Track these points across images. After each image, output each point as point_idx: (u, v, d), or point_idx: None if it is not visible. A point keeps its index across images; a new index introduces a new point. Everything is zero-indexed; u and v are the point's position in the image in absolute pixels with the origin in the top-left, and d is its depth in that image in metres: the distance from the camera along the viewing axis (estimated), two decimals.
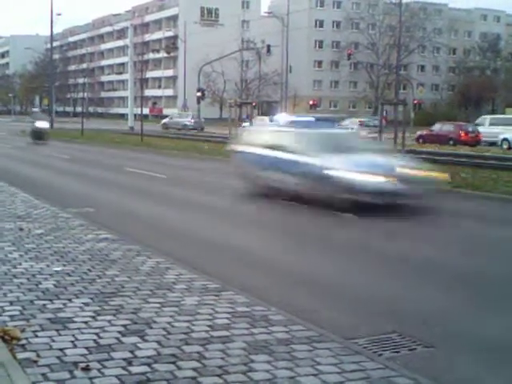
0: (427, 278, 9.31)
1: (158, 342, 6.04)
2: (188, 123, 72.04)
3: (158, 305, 7.19)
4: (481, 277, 9.58)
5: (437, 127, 48.21)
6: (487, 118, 49.30)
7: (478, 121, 48.26)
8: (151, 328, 6.43)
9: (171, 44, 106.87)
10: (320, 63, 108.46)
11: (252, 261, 10.16)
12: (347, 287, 8.85)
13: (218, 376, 5.35)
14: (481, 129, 45.06)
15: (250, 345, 6.07)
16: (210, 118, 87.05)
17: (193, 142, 41.88)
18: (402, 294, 8.55)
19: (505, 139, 41.87)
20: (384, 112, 40.22)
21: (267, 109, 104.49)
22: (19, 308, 6.92)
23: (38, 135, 40.84)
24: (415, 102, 68.42)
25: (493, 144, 43.22)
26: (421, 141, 45.90)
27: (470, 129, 46.25)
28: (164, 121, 78.01)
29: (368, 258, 10.65)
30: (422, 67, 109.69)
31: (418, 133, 48.06)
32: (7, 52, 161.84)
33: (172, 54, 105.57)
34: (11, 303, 7.08)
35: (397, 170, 15.06)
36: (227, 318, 6.82)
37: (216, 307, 7.18)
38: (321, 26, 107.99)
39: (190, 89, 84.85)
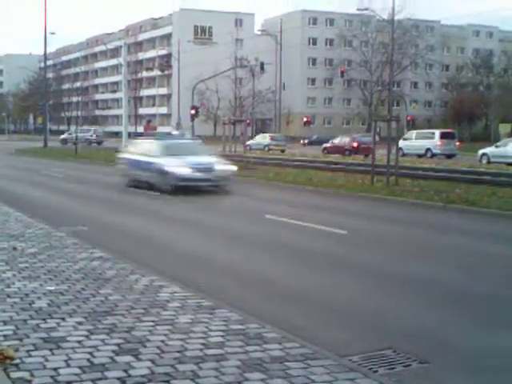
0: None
1: (152, 361, 6.01)
2: (90, 137, 78.07)
3: (151, 323, 7.17)
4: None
5: (337, 140, 56.84)
6: (414, 132, 54.12)
7: (405, 136, 51.69)
8: (145, 347, 6.40)
9: (165, 62, 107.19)
10: (313, 80, 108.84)
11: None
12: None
13: None
14: (409, 142, 49.33)
15: (244, 363, 6.05)
16: (204, 136, 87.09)
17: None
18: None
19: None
20: (378, 128, 40.69)
21: (261, 126, 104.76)
22: (12, 327, 6.89)
23: None
24: (408, 118, 68.71)
25: (420, 156, 48.48)
26: (325, 152, 53.91)
27: (363, 140, 52.52)
28: (63, 136, 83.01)
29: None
30: (415, 84, 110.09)
31: (324, 145, 56.55)
32: (1, 71, 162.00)
33: (166, 72, 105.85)
34: (5, 323, 7.05)
35: (215, 166, 22.68)
36: (221, 336, 6.80)
37: (210, 325, 7.16)
38: (314, 43, 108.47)
39: (184, 107, 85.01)
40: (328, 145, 56.28)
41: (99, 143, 77.24)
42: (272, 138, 64.53)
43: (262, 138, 65.45)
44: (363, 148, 49.24)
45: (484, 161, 42.49)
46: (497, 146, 43.77)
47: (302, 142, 79.71)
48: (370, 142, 47.75)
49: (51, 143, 66.04)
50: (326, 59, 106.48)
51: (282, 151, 56.53)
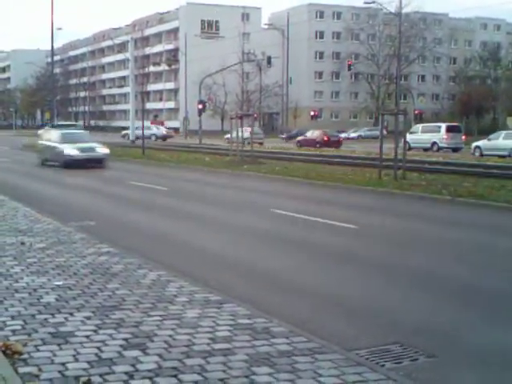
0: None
1: (160, 355, 6.03)
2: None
3: (159, 318, 7.19)
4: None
5: (309, 133, 61.29)
6: (420, 126, 54.05)
7: (412, 129, 51.35)
8: (152, 341, 6.42)
9: (172, 57, 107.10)
10: (320, 74, 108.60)
11: None
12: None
13: None
14: (415, 136, 49.01)
15: (252, 357, 6.05)
16: (212, 130, 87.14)
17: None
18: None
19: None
20: (385, 122, 40.96)
21: (268, 120, 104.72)
22: (21, 322, 6.92)
23: None
24: (416, 112, 68.50)
25: (426, 150, 48.81)
26: (299, 144, 58.00)
27: (333, 134, 60.24)
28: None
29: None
30: (423, 77, 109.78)
31: (297, 138, 60.95)
32: (8, 66, 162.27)
33: (173, 67, 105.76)
34: (13, 318, 7.08)
35: (96, 149, 32.81)
36: (228, 331, 6.81)
37: (217, 319, 7.17)
38: (321, 37, 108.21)
39: (192, 101, 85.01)
40: (301, 138, 60.55)
41: None
42: (251, 132, 65.16)
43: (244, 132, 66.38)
44: (333, 141, 57.04)
45: (477, 153, 43.12)
46: (489, 139, 44.12)
47: (281, 136, 79.81)
48: (338, 136, 60.54)
49: None
50: (333, 53, 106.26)
51: (261, 144, 58.59)
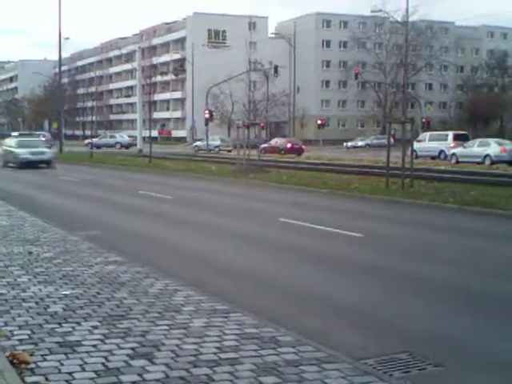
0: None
1: (167, 365, 6.02)
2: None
3: (166, 327, 7.18)
4: None
5: (273, 141, 67.84)
6: (427, 134, 54.13)
7: (419, 137, 51.51)
8: (159, 351, 6.41)
9: (179, 66, 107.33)
10: (328, 83, 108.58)
11: None
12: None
13: None
14: (422, 144, 49.25)
15: (259, 366, 6.04)
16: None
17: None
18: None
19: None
20: (392, 130, 41.17)
21: (275, 129, 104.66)
22: (28, 332, 6.92)
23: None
24: (424, 120, 68.39)
25: (434, 158, 48.99)
26: (263, 151, 56.74)
27: (296, 142, 65.60)
28: None
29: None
30: (430, 85, 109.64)
31: (261, 145, 59.65)
32: (16, 76, 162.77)
33: (180, 77, 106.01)
34: (20, 327, 7.08)
35: (44, 153, 40.55)
36: (235, 340, 6.80)
37: (224, 329, 7.16)
38: (328, 46, 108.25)
39: (198, 110, 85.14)
40: (265, 145, 63.28)
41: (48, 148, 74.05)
42: (222, 140, 74.71)
43: (213, 140, 73.40)
44: (295, 148, 62.30)
45: (453, 160, 44.27)
46: (465, 147, 45.15)
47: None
48: (300, 145, 65.02)
49: (66, 148, 66.21)
50: (340, 61, 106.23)
51: (229, 151, 64.20)
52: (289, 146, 63.58)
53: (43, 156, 40.21)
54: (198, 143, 76.60)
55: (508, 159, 41.64)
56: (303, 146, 65.04)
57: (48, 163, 39.64)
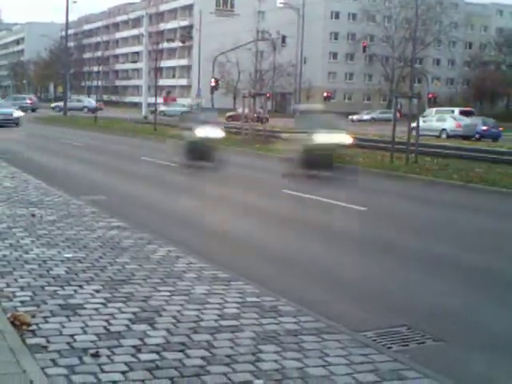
0: None
1: (167, 330, 6.05)
2: (25, 105, 75.89)
3: (167, 293, 7.21)
4: None
5: (239, 111, 65.76)
6: (433, 110, 53.48)
7: (424, 114, 50.55)
8: (161, 316, 6.44)
9: (186, 33, 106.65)
10: (335, 55, 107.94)
11: None
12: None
13: (227, 365, 5.37)
14: (427, 120, 48.38)
15: (259, 335, 6.07)
16: (225, 108, 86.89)
17: None
18: None
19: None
20: (399, 105, 41.16)
21: (281, 100, 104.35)
22: (30, 294, 6.95)
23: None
24: (430, 95, 68.11)
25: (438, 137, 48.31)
26: (230, 119, 61.30)
27: (261, 112, 63.32)
28: None
29: None
30: (438, 61, 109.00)
31: (227, 114, 66.09)
32: (22, 39, 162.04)
33: (187, 44, 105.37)
34: (22, 289, 7.10)
35: (13, 114, 45.14)
36: (236, 308, 6.83)
37: (225, 297, 7.19)
38: (336, 17, 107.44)
39: (204, 78, 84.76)
40: (232, 113, 66.86)
41: (33, 110, 74.44)
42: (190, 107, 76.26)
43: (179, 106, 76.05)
44: (259, 117, 61.09)
45: (444, 135, 45.73)
46: (424, 121, 44.88)
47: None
48: (265, 114, 65.26)
49: (70, 113, 66.25)
50: (349, 34, 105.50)
51: None
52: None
53: (12, 117, 45.12)
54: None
55: (462, 134, 45.01)
56: (267, 116, 66.04)
57: (16, 123, 44.36)
